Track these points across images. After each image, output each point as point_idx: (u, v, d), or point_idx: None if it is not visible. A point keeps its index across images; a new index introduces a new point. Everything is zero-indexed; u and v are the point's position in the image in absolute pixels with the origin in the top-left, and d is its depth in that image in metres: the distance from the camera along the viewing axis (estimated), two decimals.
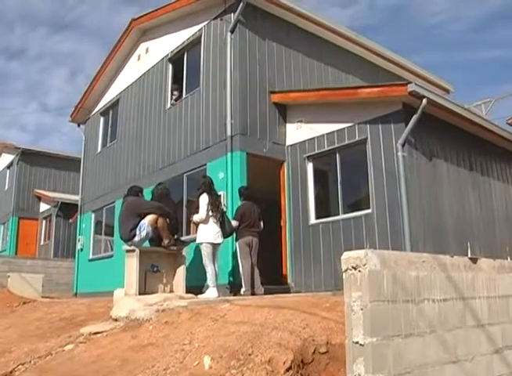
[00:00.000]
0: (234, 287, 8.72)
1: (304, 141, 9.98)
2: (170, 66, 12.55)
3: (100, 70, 15.53)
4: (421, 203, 8.22)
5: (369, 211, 8.61)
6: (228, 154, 9.62)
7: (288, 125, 10.43)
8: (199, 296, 7.65)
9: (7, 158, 27.92)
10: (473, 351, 3.93)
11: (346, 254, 3.36)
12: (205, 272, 8.03)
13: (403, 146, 8.14)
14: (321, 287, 8.94)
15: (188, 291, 7.93)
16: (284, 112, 10.47)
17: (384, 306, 3.26)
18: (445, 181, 8.82)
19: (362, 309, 3.16)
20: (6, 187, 27.30)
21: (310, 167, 9.92)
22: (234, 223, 8.33)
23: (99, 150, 15.78)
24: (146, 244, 7.94)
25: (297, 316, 5.12)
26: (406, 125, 8.10)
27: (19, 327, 8.33)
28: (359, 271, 3.23)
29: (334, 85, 10.87)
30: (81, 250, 15.57)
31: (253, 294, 8.02)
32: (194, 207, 8.22)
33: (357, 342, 3.14)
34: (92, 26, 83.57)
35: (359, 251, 3.29)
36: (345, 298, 3.29)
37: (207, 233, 7.98)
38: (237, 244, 8.41)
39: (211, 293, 7.70)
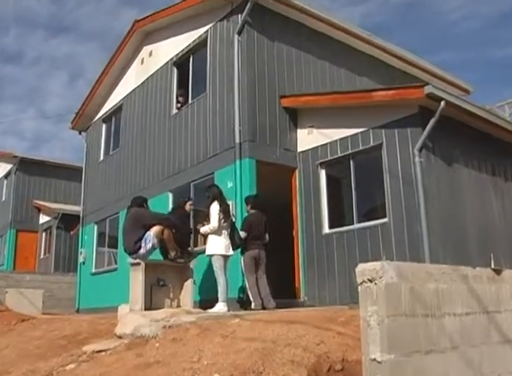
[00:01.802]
0: (244, 302, 8.74)
1: (317, 147, 10.01)
2: (175, 70, 12.68)
3: (102, 74, 15.70)
4: (440, 211, 8.21)
5: (385, 220, 8.60)
6: (237, 162, 9.67)
7: (299, 131, 10.46)
8: (207, 311, 7.67)
9: (4, 167, 27.97)
10: (499, 368, 3.91)
11: (361, 266, 3.38)
12: (213, 286, 8.05)
13: (420, 151, 8.15)
14: (336, 300, 8.92)
15: (196, 305, 7.97)
16: (295, 117, 10.52)
17: (402, 321, 3.27)
18: (465, 188, 8.80)
19: (378, 324, 3.17)
20: (3, 198, 27.39)
21: (323, 174, 9.94)
22: (242, 234, 8.34)
23: (101, 158, 15.92)
24: (153, 256, 7.99)
25: (310, 331, 5.13)
26: (423, 129, 8.11)
27: (17, 346, 8.37)
28: (375, 284, 3.25)
29: (347, 88, 10.92)
30: (83, 263, 15.67)
31: (263, 308, 8.03)
32: (203, 217, 8.25)
33: (374, 359, 3.15)
34: (92, 29, 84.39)
35: (375, 263, 3.30)
36: (361, 312, 3.30)
37: (218, 244, 8.01)
38: (242, 257, 8.41)
39: (221, 308, 7.72)
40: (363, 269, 3.35)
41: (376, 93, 8.89)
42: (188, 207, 8.81)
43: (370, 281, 3.29)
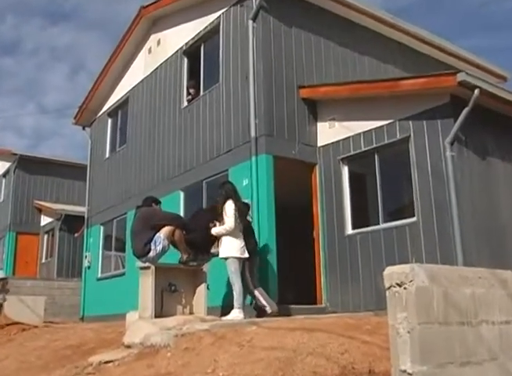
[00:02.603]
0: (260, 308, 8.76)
1: (338, 141, 9.99)
2: (185, 59, 12.73)
3: (106, 65, 15.81)
4: (474, 209, 8.15)
5: (413, 219, 8.56)
6: (253, 158, 9.69)
7: (319, 124, 10.45)
8: (222, 318, 7.70)
9: (2, 166, 28.15)
10: None
11: (389, 270, 3.37)
12: (228, 291, 8.08)
13: (452, 144, 8.09)
14: (360, 306, 8.92)
15: (210, 312, 8.00)
16: (315, 109, 10.50)
17: (435, 329, 3.25)
18: (501, 183, 8.72)
19: (409, 332, 3.15)
20: (2, 198, 27.60)
21: (345, 170, 9.92)
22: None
23: (107, 155, 16.04)
24: (164, 259, 8.03)
25: (334, 339, 5.14)
26: (455, 120, 8.05)
27: (18, 357, 8.46)
28: (405, 288, 3.24)
29: (371, 77, 10.86)
30: (89, 268, 15.81)
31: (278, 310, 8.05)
32: (215, 217, 8.25)
33: (404, 371, 3.13)
34: (94, 16, 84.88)
35: (404, 266, 3.29)
36: (389, 319, 3.29)
37: (234, 246, 8.03)
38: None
39: (236, 314, 7.75)
40: (391, 273, 3.34)
41: (403, 82, 8.85)
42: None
43: (399, 285, 3.28)
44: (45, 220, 25.81)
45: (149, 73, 14.20)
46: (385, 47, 12.14)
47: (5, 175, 27.84)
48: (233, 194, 8.22)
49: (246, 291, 8.26)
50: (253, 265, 8.42)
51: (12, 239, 25.45)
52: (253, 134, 9.85)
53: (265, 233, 9.15)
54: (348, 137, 9.83)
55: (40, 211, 26.04)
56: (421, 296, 3.22)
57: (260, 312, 8.31)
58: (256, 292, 8.25)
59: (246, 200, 8.84)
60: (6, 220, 25.80)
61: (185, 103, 12.39)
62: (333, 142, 10.10)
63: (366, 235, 9.27)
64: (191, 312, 7.96)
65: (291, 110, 10.25)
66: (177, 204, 11.51)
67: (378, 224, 9.19)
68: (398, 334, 3.19)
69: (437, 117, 8.41)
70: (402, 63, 12.16)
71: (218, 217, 8.14)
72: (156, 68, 13.85)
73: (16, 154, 25.97)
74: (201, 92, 11.94)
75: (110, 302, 13.51)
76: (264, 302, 8.20)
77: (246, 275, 8.27)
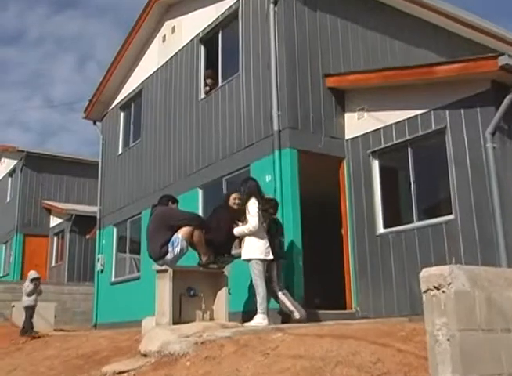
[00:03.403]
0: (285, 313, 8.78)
1: (368, 133, 9.95)
2: (202, 47, 12.77)
3: (117, 55, 15.92)
4: None
5: (451, 216, 8.51)
6: (276, 152, 9.69)
7: (347, 115, 10.42)
8: (245, 324, 7.72)
9: (8, 163, 28.52)
10: None
11: (426, 271, 3.36)
12: (251, 296, 8.10)
13: (493, 134, 8.01)
14: (393, 311, 8.89)
15: (232, 318, 8.04)
16: (342, 99, 10.48)
17: (478, 336, 3.22)
18: None
19: (448, 340, 3.13)
20: (8, 198, 27.97)
21: (376, 164, 9.89)
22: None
23: (119, 151, 16.17)
24: (181, 262, 8.08)
25: (365, 347, 5.12)
26: (497, 109, 7.98)
27: (27, 368, 8.58)
28: (443, 292, 3.22)
29: (403, 63, 10.78)
30: (101, 271, 15.96)
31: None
32: (238, 216, 8.28)
33: None
34: (102, 3, 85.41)
35: (442, 267, 3.28)
36: (426, 325, 3.28)
37: (257, 247, 8.04)
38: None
39: (261, 320, 7.76)
40: (428, 275, 3.33)
41: (438, 68, 8.78)
42: (232, 201, 8.42)
43: (437, 289, 3.26)
44: (54, 221, 26.09)
45: (163, 62, 14.27)
46: (418, 29, 12.04)
47: (11, 173, 28.10)
48: (257, 192, 8.22)
49: (272, 295, 8.29)
50: (278, 268, 8.44)
51: (20, 241, 25.77)
52: (276, 127, 9.85)
53: (290, 232, 9.15)
54: (379, 129, 9.78)
55: (49, 211, 26.33)
56: (461, 300, 3.20)
57: (285, 317, 8.33)
58: (282, 296, 8.26)
59: (272, 197, 8.85)
60: (13, 222, 26.08)
61: (203, 95, 12.42)
62: (362, 135, 10.07)
63: (399, 234, 9.23)
64: (211, 318, 8.00)
65: (317, 100, 10.22)
66: (195, 202, 11.58)
67: (412, 222, 9.14)
68: (437, 341, 3.17)
69: (476, 105, 8.33)
70: (436, 47, 12.06)
71: (241, 216, 8.16)
72: (171, 57, 13.91)
73: (22, 151, 26.26)
74: (219, 83, 11.97)
75: (125, 308, 13.63)
76: (291, 307, 8.21)
77: (273, 278, 8.30)
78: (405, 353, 4.91)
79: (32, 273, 13.54)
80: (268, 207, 8.46)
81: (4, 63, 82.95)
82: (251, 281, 8.15)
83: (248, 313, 8.43)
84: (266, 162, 9.92)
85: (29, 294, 12.89)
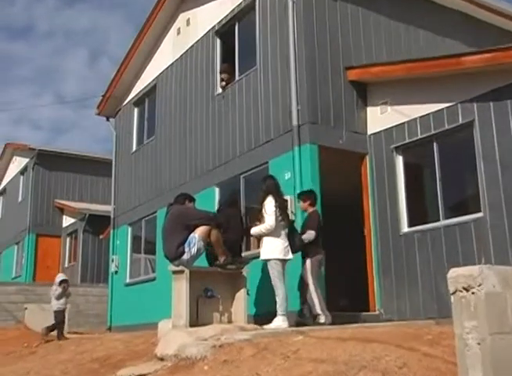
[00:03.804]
0: (304, 316, 8.77)
1: (391, 128, 9.93)
2: (218, 40, 12.81)
3: (130, 49, 16.01)
4: None
5: (479, 214, 8.47)
6: (296, 148, 9.68)
7: (370, 109, 10.40)
8: (264, 327, 7.71)
9: (20, 162, 28.77)
10: None
11: (454, 272, 3.32)
12: (270, 297, 8.10)
13: None
14: (419, 313, 8.87)
15: (251, 320, 8.05)
16: (364, 92, 10.46)
17: (510, 340, 3.18)
18: None
19: (479, 344, 3.10)
20: (20, 198, 28.23)
21: (399, 160, 9.86)
22: (312, 234, 8.38)
23: (134, 148, 16.26)
24: (198, 262, 8.10)
25: (390, 351, 5.09)
26: None
27: (40, 371, 8.63)
28: (473, 293, 3.19)
29: (428, 54, 10.70)
30: (116, 272, 16.07)
31: (333, 323, 8.04)
32: (255, 216, 8.30)
33: None
34: None
35: (472, 268, 3.25)
36: (455, 328, 3.26)
37: (276, 246, 8.04)
38: (309, 261, 8.46)
39: (280, 323, 7.77)
40: (456, 276, 3.30)
41: (465, 58, 8.72)
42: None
43: (466, 290, 3.23)
44: (67, 221, 26.28)
45: (178, 56, 14.32)
46: (444, 18, 11.94)
47: (23, 172, 28.34)
48: (274, 190, 8.22)
49: (301, 296, 8.31)
50: (312, 264, 8.47)
51: (32, 242, 25.99)
52: (295, 122, 9.83)
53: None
54: (403, 123, 9.76)
55: (61, 211, 26.53)
56: (493, 302, 3.17)
57: (305, 320, 8.33)
58: (313, 294, 8.27)
59: (286, 197, 8.86)
60: (25, 221, 26.29)
61: (219, 89, 12.45)
62: (385, 129, 10.05)
63: (425, 233, 9.20)
64: (229, 321, 8.02)
65: (337, 94, 10.20)
66: (212, 201, 11.59)
67: (438, 220, 9.11)
68: (467, 345, 3.14)
69: (506, 96, 8.27)
70: (463, 36, 11.94)
71: (258, 215, 8.17)
72: (186, 51, 13.95)
73: (34, 149, 26.45)
74: (236, 77, 11.99)
75: (140, 310, 13.70)
76: (318, 310, 8.21)
77: (308, 278, 8.34)
78: (433, 358, 4.87)
79: (60, 276, 13.67)
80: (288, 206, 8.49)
81: (12, 58, 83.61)
82: (271, 282, 8.15)
83: (267, 315, 8.43)
84: (285, 159, 9.92)
85: (58, 298, 13.01)
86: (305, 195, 8.87)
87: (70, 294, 13.63)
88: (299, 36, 10.17)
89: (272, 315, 8.06)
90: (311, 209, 8.74)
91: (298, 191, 9.20)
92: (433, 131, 9.27)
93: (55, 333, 12.73)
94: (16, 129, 74.70)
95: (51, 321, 12.93)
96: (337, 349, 5.36)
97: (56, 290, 13.05)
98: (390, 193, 9.83)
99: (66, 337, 12.73)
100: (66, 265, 26.10)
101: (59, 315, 12.90)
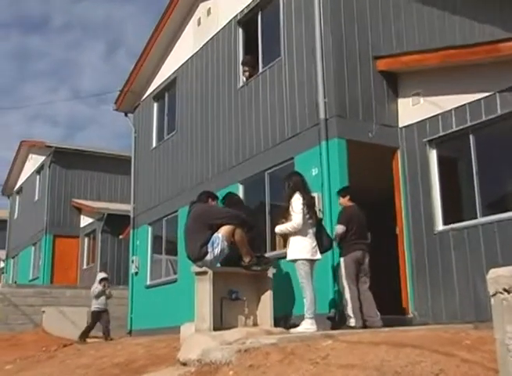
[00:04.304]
0: (336, 319, 8.76)
1: (424, 120, 9.86)
2: (240, 30, 12.82)
3: (149, 42, 16.09)
4: None
5: None
6: (323, 143, 9.66)
7: (401, 100, 10.35)
8: (291, 330, 7.73)
9: (36, 160, 29.11)
10: None
11: (494, 272, 3.28)
12: (297, 299, 8.10)
13: None
14: (455, 317, 8.79)
15: (277, 323, 8.04)
16: (395, 83, 10.41)
17: None
18: None
19: None
20: (36, 197, 28.57)
21: (433, 154, 9.80)
22: (340, 229, 8.37)
23: (153, 144, 16.36)
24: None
25: (426, 357, 5.05)
26: None
27: None
28: None
29: (464, 41, 10.61)
30: (136, 274, 16.18)
31: (365, 326, 8.01)
32: (282, 214, 8.29)
33: None
34: None
35: None
36: (496, 333, 3.21)
37: (303, 246, 8.03)
38: (342, 260, 8.46)
39: (308, 326, 7.76)
40: (497, 276, 3.25)
41: (504, 44, 8.60)
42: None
43: (507, 292, 3.19)
44: (85, 221, 26.52)
45: (198, 48, 14.37)
46: (481, 2, 11.81)
47: (39, 170, 28.66)
48: (301, 186, 8.21)
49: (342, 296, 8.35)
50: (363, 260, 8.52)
51: (49, 243, 26.28)
52: (322, 115, 9.81)
53: None
54: (436, 115, 9.69)
55: (79, 210, 26.78)
56: None
57: (336, 322, 8.33)
58: (348, 299, 8.25)
59: (313, 194, 8.85)
60: (42, 222, 26.60)
61: (242, 82, 12.46)
62: (417, 122, 9.99)
63: (461, 232, 9.13)
64: (255, 324, 8.03)
65: (367, 85, 10.16)
66: None
67: (475, 218, 9.04)
68: (510, 351, 3.10)
69: None
70: (502, 21, 11.77)
71: (285, 213, 8.16)
72: (207, 42, 13.98)
73: (50, 147, 26.73)
74: (260, 69, 11.99)
75: (162, 313, 13.78)
76: (350, 312, 8.20)
77: (341, 277, 8.36)
78: (471, 364, 4.82)
79: (101, 274, 13.83)
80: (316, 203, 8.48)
81: (28, 53, 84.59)
82: (299, 283, 8.15)
83: (294, 318, 8.43)
84: (312, 154, 9.89)
85: (98, 296, 13.15)
86: (345, 190, 8.98)
87: (112, 295, 13.74)
88: (325, 24, 10.13)
89: (298, 318, 8.07)
90: (349, 204, 8.77)
91: (334, 186, 9.23)
92: (469, 123, 9.19)
93: (72, 335, 12.90)
94: (31, 126, 75.75)
95: (66, 324, 13.10)
96: (369, 354, 5.33)
97: (96, 288, 13.18)
98: (423, 189, 9.77)
99: (86, 341, 12.87)
100: (84, 267, 26.38)
101: (98, 316, 13.03)
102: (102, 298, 13.17)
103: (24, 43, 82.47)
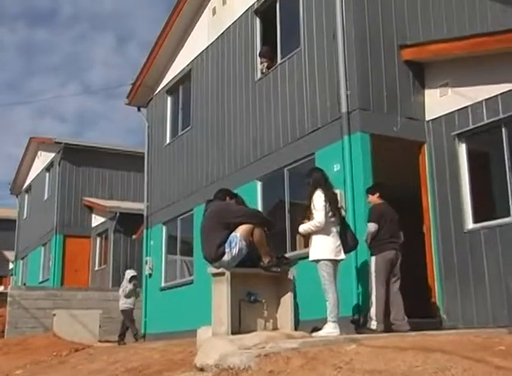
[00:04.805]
0: (360, 322, 8.74)
1: (453, 112, 9.82)
2: (257, 20, 12.82)
3: (162, 32, 16.13)
4: None
5: None
6: (345, 138, 9.65)
7: (428, 92, 10.32)
8: (313, 334, 7.72)
9: (45, 157, 29.30)
10: None
11: None
12: (319, 301, 8.08)
13: None
14: (488, 320, 8.77)
15: (298, 327, 8.03)
16: (421, 73, 10.38)
17: None
18: None
19: None
20: (46, 196, 28.76)
21: (462, 149, 9.76)
22: (372, 227, 8.36)
23: (167, 140, 16.42)
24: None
25: (456, 363, 5.01)
26: None
27: None
28: None
29: (496, 28, 10.51)
30: (150, 276, 16.23)
31: (388, 330, 7.97)
32: (304, 212, 8.27)
33: None
34: None
35: None
36: None
37: (326, 245, 8.00)
38: (373, 259, 8.46)
39: (331, 330, 7.73)
40: None
41: None
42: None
43: None
44: (96, 220, 26.66)
45: (214, 39, 14.39)
46: None
47: (48, 168, 28.86)
48: (322, 183, 8.17)
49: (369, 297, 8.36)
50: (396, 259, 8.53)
51: (60, 243, 26.46)
52: (344, 108, 9.80)
53: (363, 229, 9.06)
54: (466, 107, 9.65)
55: (90, 209, 26.92)
56: None
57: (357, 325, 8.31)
58: (373, 301, 8.26)
59: (336, 190, 8.83)
60: (52, 221, 26.80)
61: (260, 74, 12.46)
62: (446, 115, 9.96)
63: (493, 230, 9.10)
64: (275, 328, 8.01)
65: (391, 76, 10.14)
66: (253, 196, 11.62)
67: (508, 215, 9.01)
68: None
69: None
70: None
71: (306, 211, 8.14)
72: (223, 33, 14.00)
73: (60, 143, 26.86)
74: (278, 60, 11.98)
75: (177, 316, 13.83)
76: (373, 314, 8.18)
77: (371, 277, 8.37)
78: (506, 371, 4.78)
79: (130, 272, 13.91)
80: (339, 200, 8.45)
81: (35, 47, 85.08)
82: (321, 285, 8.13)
83: (316, 322, 8.42)
84: (334, 149, 9.89)
85: (128, 296, 13.23)
86: (374, 187, 8.98)
87: (139, 294, 13.80)
88: (347, 12, 10.11)
89: (320, 321, 8.05)
90: (378, 202, 8.76)
91: (357, 183, 9.26)
92: (501, 116, 9.14)
93: (84, 340, 12.99)
94: (39, 123, 76.22)
95: (77, 328, 13.17)
96: (395, 360, 5.30)
97: (127, 287, 13.23)
98: (452, 185, 9.73)
99: (125, 342, 12.92)
100: (96, 268, 26.52)
101: (129, 314, 13.08)
102: (133, 298, 13.24)
103: (31, 36, 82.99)
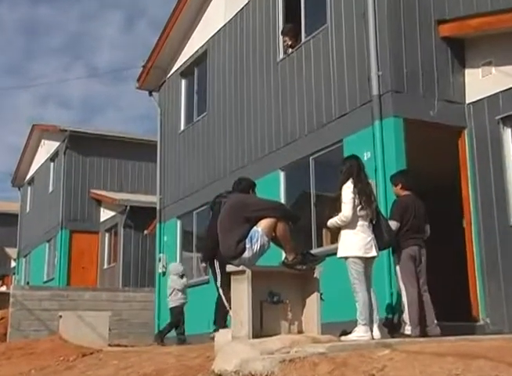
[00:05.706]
0: (393, 325, 8.71)
1: (497, 94, 9.78)
2: None
3: (175, 10, 16.15)
4: None
5: None
6: (376, 123, 9.64)
7: (468, 71, 10.29)
8: (342, 338, 7.70)
9: (49, 146, 29.39)
10: None
11: None
12: (348, 303, 8.07)
13: None
14: None
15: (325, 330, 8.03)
16: (462, 51, 10.35)
17: None
18: None
19: None
20: (51, 188, 28.87)
21: (508, 134, 9.72)
22: (393, 226, 8.28)
23: (182, 127, 16.46)
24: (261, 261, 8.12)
25: (501, 371, 4.98)
26: None
27: None
28: None
29: None
30: (163, 274, 16.28)
31: (423, 335, 7.95)
32: (333, 204, 8.24)
33: None
34: None
35: None
36: None
37: (355, 242, 7.96)
38: (396, 258, 8.40)
39: (362, 334, 7.72)
40: None
41: None
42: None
43: None
44: (105, 214, 26.76)
45: (231, 17, 14.39)
46: None
47: (53, 158, 28.94)
48: (355, 172, 8.09)
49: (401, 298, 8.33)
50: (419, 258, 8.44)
51: (66, 239, 26.59)
52: (375, 91, 9.79)
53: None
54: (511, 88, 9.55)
55: (99, 202, 27.01)
56: None
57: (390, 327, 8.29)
58: (405, 302, 8.22)
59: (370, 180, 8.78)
60: (57, 216, 26.91)
61: (282, 54, 12.45)
62: (488, 97, 9.92)
63: None
64: (300, 331, 7.99)
65: (428, 54, 10.10)
66: (276, 188, 11.67)
67: None
68: None
69: None
70: None
71: (336, 203, 8.11)
72: (241, 9, 14.00)
73: (65, 131, 26.81)
74: (302, 39, 11.96)
75: (193, 318, 13.85)
76: (406, 319, 8.15)
77: (397, 277, 8.34)
78: None
79: (178, 265, 13.99)
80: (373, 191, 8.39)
81: (38, 26, 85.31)
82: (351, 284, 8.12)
83: (344, 325, 8.41)
84: (364, 136, 9.88)
85: (183, 290, 13.40)
86: (395, 177, 8.82)
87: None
88: None
89: (350, 324, 8.04)
90: (403, 193, 8.66)
91: (390, 173, 9.13)
92: None
93: (92, 343, 13.05)
94: (42, 109, 76.44)
95: (85, 330, 13.23)
96: (432, 366, 5.28)
97: (182, 282, 13.37)
98: (495, 174, 9.68)
99: (164, 342, 13.05)
100: (105, 267, 26.63)
101: (181, 312, 13.24)
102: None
103: (32, 15, 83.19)
